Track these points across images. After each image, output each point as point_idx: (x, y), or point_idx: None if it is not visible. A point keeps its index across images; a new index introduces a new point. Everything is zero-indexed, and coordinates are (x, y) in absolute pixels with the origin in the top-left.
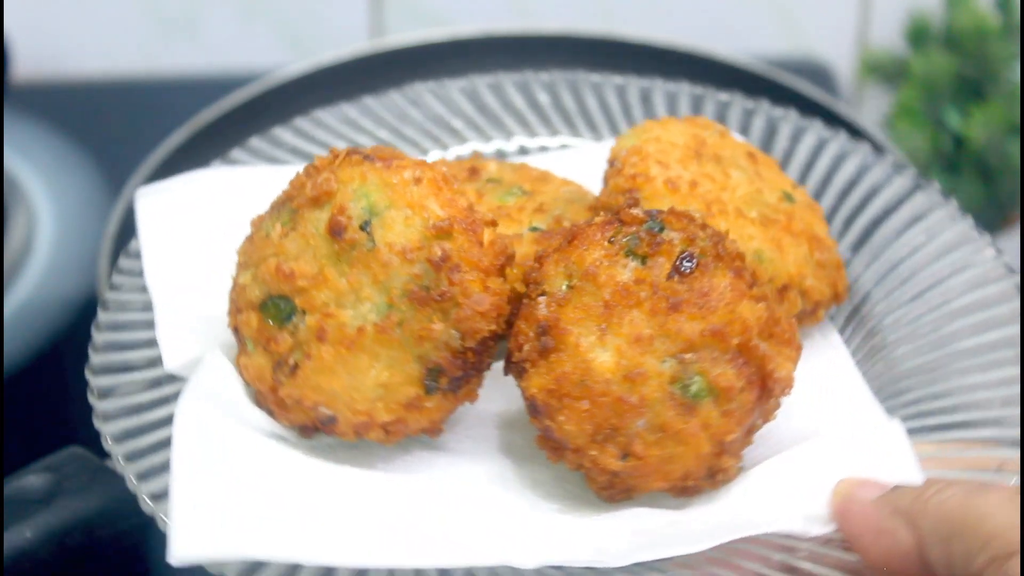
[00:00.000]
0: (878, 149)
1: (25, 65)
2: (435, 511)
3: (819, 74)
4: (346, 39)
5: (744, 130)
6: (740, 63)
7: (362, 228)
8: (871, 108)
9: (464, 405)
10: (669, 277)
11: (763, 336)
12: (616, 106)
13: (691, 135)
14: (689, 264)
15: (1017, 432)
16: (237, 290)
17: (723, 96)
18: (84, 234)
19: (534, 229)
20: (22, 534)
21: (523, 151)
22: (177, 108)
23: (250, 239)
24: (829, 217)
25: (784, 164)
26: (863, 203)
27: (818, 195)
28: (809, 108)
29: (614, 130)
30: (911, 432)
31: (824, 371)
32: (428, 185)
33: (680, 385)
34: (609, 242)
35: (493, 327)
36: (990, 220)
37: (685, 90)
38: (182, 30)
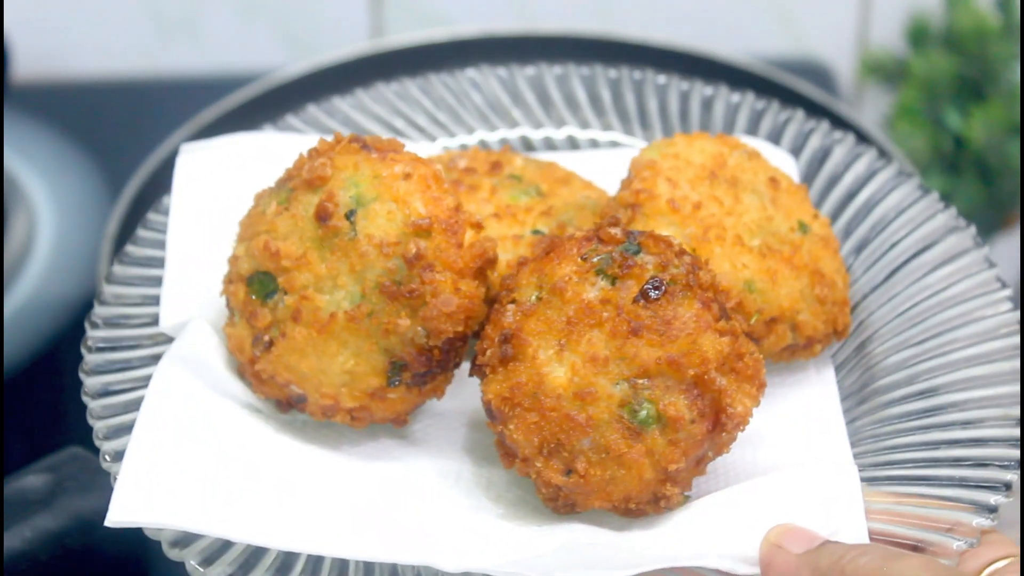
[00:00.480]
0: (925, 189)
1: (25, 65)
2: (379, 503)
3: (819, 74)
4: (346, 39)
5: (796, 151)
6: (740, 63)
7: (347, 217)
8: (871, 108)
9: (438, 400)
10: (635, 301)
11: (723, 370)
12: (676, 110)
13: (713, 154)
14: (656, 290)
15: (976, 495)
16: (232, 260)
17: (784, 114)
18: (84, 234)
19: (536, 232)
20: (22, 534)
21: (572, 142)
22: (177, 108)
23: (250, 212)
24: (859, 250)
25: (826, 192)
26: (897, 240)
27: (853, 227)
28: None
29: (668, 133)
30: (876, 480)
31: (806, 407)
32: (416, 182)
33: (629, 410)
34: (582, 259)
35: (460, 328)
36: (990, 220)
37: (748, 101)
38: (182, 30)
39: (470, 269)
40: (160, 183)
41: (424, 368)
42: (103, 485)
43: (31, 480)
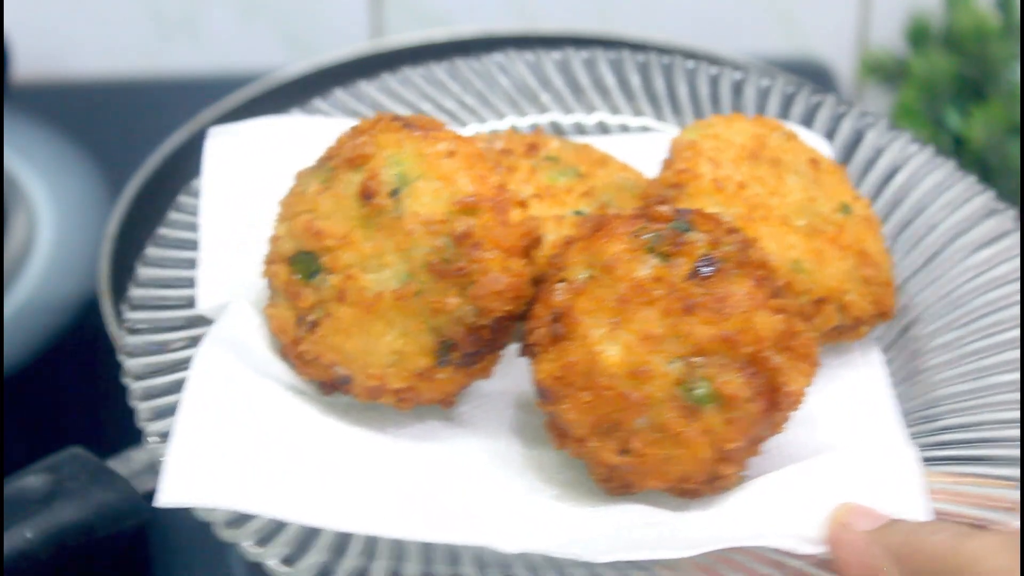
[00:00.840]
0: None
1: (25, 65)
2: (430, 484)
3: (819, 74)
4: (346, 39)
5: (828, 135)
6: (741, 63)
7: (392, 195)
8: (871, 108)
9: (484, 381)
10: (687, 278)
11: (778, 348)
12: (706, 94)
13: (753, 135)
14: (709, 268)
15: None
16: (273, 240)
17: (816, 98)
18: (84, 234)
19: (578, 213)
20: (22, 534)
21: (602, 127)
22: (177, 108)
23: (291, 192)
24: (898, 233)
25: (862, 175)
26: (936, 223)
27: (891, 210)
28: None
29: (699, 117)
30: (932, 460)
31: (856, 388)
32: (461, 159)
33: (685, 388)
34: (633, 236)
35: (509, 307)
36: None
37: (779, 85)
38: (182, 30)
39: (517, 247)
40: (160, 183)
41: (473, 348)
42: (103, 485)
43: (31, 480)
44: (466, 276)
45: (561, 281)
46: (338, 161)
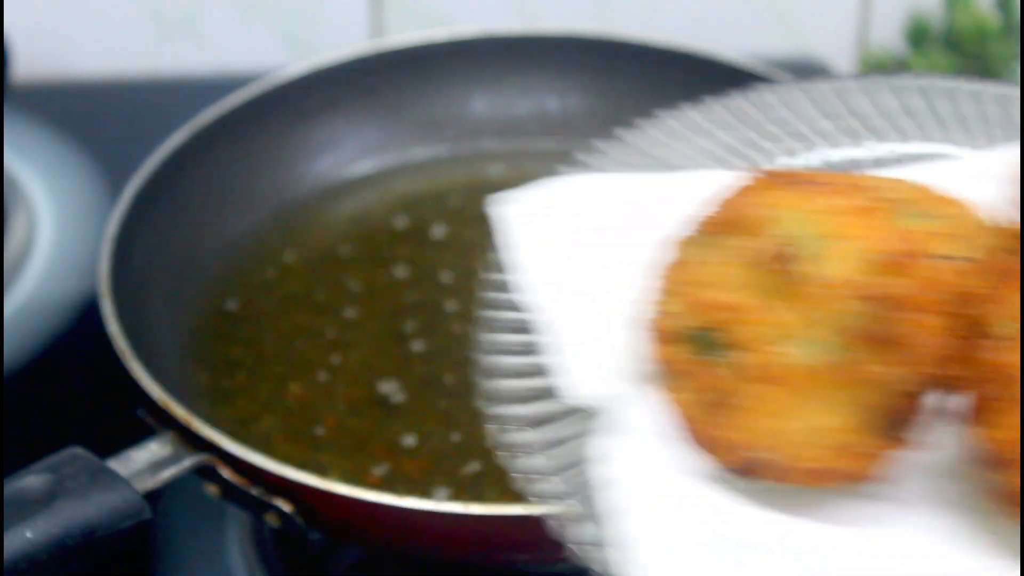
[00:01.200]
0: None
1: (25, 65)
2: (893, 569)
3: (819, 74)
4: (346, 39)
5: None
6: (740, 63)
7: (795, 259)
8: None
9: (901, 452)
10: None
11: None
12: (973, 113)
13: None
14: None
15: None
16: (661, 318)
17: None
18: (84, 234)
19: (966, 259)
20: (22, 534)
21: (897, 159)
22: (177, 108)
23: (674, 264)
24: None
25: None
26: None
27: None
28: None
29: (991, 139)
30: None
31: None
32: (865, 215)
33: None
34: None
35: (947, 370)
36: None
37: None
38: (182, 30)
39: (942, 304)
40: (160, 183)
41: (904, 416)
42: (103, 485)
43: (31, 480)
44: (898, 342)
45: (995, 337)
46: (725, 227)
